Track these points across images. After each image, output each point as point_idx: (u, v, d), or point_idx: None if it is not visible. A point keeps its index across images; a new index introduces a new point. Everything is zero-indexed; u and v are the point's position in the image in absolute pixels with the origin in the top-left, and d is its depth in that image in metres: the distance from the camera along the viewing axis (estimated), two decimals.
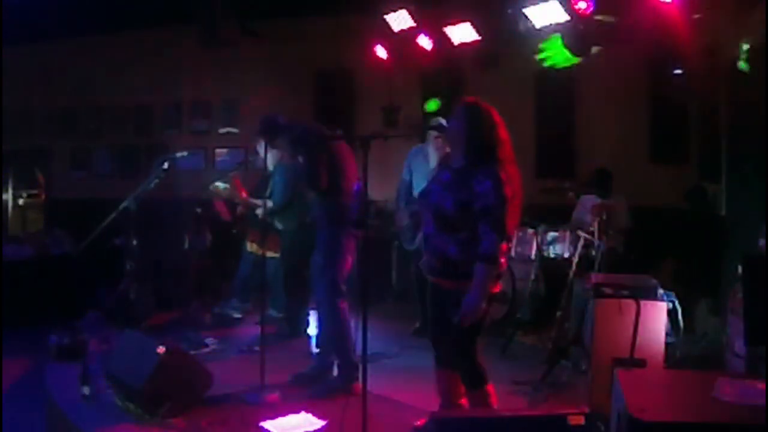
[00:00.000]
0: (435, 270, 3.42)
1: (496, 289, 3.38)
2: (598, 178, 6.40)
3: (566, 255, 5.66)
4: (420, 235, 5.42)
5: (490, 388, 3.41)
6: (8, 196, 8.08)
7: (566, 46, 5.68)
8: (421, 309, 5.72)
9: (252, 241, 6.21)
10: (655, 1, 5.27)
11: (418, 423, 3.64)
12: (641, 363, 3.78)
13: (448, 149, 5.16)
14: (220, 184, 6.15)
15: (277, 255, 5.93)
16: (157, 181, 5.55)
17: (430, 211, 3.39)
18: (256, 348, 4.71)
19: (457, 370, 3.45)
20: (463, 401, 3.52)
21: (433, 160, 5.27)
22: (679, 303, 4.19)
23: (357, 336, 3.92)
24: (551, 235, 6.04)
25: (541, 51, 5.99)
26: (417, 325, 5.77)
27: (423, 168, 5.45)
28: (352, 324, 4.33)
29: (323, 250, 4.41)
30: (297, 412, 3.97)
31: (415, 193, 5.48)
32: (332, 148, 4.35)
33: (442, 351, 3.54)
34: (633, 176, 6.86)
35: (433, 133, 5.25)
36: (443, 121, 5.14)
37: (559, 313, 5.07)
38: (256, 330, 4.83)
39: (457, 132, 3.38)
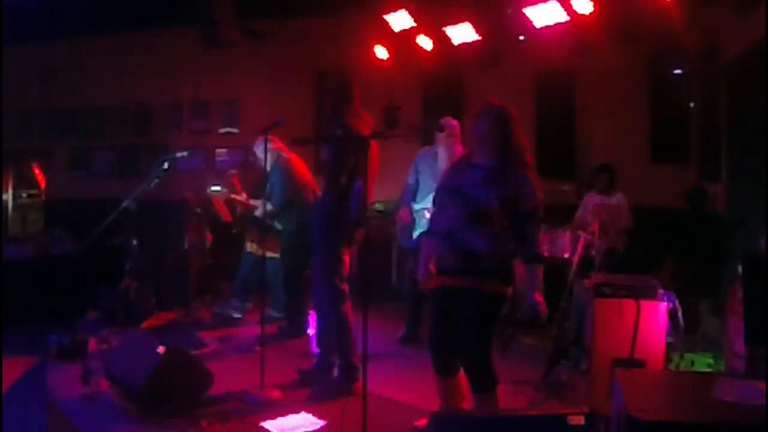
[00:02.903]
0: (452, 268, 3.37)
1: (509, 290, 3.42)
2: (600, 173, 6.39)
3: (566, 255, 5.65)
4: (417, 234, 5.46)
5: (499, 391, 3.40)
6: (8, 196, 8.07)
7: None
8: (411, 315, 5.70)
9: (252, 241, 6.21)
10: (655, 0, 5.29)
11: (418, 423, 3.65)
12: (641, 363, 3.77)
13: (458, 148, 5.16)
14: (217, 189, 6.16)
15: (276, 255, 5.93)
16: (157, 181, 5.55)
17: (463, 205, 3.33)
18: (256, 348, 4.71)
19: (467, 372, 3.40)
20: (466, 405, 3.51)
21: (442, 161, 5.23)
22: (679, 303, 4.19)
23: (357, 336, 3.92)
24: (551, 235, 6.03)
25: None
26: (402, 332, 5.68)
27: (431, 169, 5.39)
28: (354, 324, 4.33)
29: (317, 251, 4.40)
30: (297, 412, 3.97)
31: (421, 195, 5.46)
32: (362, 150, 4.08)
33: (442, 358, 3.49)
34: (633, 176, 6.86)
35: (443, 134, 5.21)
36: (453, 121, 5.13)
37: (559, 313, 5.07)
38: (256, 330, 4.83)
39: (488, 131, 3.36)
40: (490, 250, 3.28)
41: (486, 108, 3.41)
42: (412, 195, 5.53)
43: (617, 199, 6.26)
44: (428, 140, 5.97)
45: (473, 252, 3.30)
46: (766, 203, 4.51)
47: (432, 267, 3.52)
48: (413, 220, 5.47)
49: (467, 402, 3.50)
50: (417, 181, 5.53)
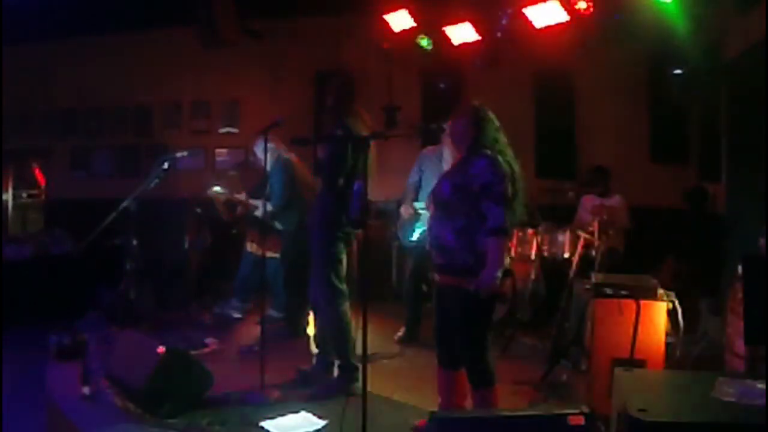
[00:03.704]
0: (438, 266, 3.48)
1: (503, 289, 3.41)
2: (597, 175, 6.39)
3: (566, 255, 5.65)
4: (419, 230, 5.46)
5: (497, 389, 3.44)
6: (8, 196, 8.08)
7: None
8: (411, 315, 5.70)
9: (252, 241, 6.21)
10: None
11: (418, 423, 3.65)
12: (641, 363, 3.77)
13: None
14: (217, 189, 6.16)
15: (277, 255, 5.93)
16: (157, 181, 5.54)
17: (432, 200, 3.54)
18: (256, 348, 4.71)
19: (465, 368, 3.45)
20: (465, 402, 3.53)
21: (447, 162, 5.23)
22: (679, 303, 4.19)
23: (357, 336, 3.92)
24: (551, 234, 6.03)
25: None
26: (401, 332, 5.70)
27: (435, 169, 5.39)
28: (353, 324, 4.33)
29: (316, 251, 4.40)
30: (297, 412, 3.97)
31: (423, 194, 5.46)
32: (362, 150, 4.10)
33: (446, 351, 3.55)
34: (633, 176, 6.86)
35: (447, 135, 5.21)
36: None
37: (559, 313, 5.07)
38: (256, 330, 4.83)
39: (465, 129, 3.48)
40: (458, 243, 3.32)
41: (464, 108, 3.55)
42: (415, 194, 5.54)
43: (615, 200, 6.26)
44: (429, 140, 5.97)
45: (444, 246, 3.38)
46: (766, 203, 4.51)
47: None
48: (415, 218, 5.47)
49: (467, 399, 3.52)
50: (419, 181, 5.53)
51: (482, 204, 3.28)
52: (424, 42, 7.19)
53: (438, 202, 3.46)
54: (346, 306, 4.35)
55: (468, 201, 3.31)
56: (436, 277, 3.54)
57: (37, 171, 8.28)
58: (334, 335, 4.38)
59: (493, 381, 3.41)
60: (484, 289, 3.23)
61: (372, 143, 4.03)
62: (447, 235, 3.36)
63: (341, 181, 4.20)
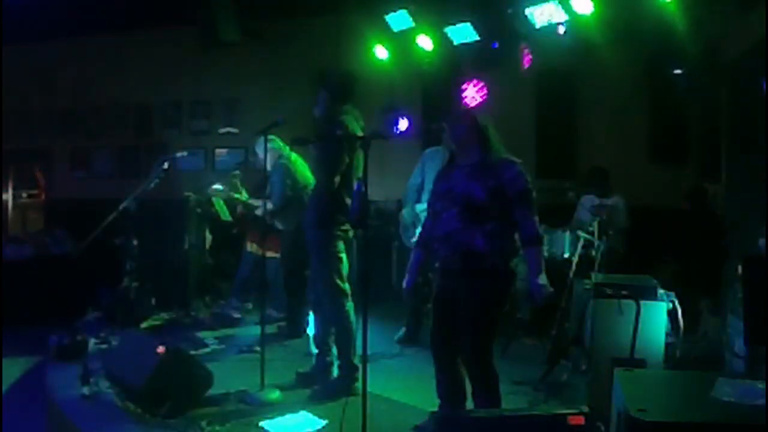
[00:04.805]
0: (455, 270, 3.39)
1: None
2: (595, 177, 6.39)
3: (566, 255, 5.65)
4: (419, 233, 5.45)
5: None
6: (8, 196, 8.09)
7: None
8: (411, 315, 5.70)
9: (252, 241, 6.21)
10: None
11: (419, 423, 3.65)
12: (641, 363, 3.77)
13: None
14: (218, 187, 6.16)
15: (277, 255, 5.93)
16: (157, 181, 5.55)
17: (457, 204, 3.39)
18: (256, 348, 4.72)
19: (471, 369, 3.42)
20: (465, 405, 3.51)
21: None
22: (679, 303, 4.19)
23: (357, 336, 3.92)
24: (551, 234, 6.03)
25: None
26: (402, 332, 5.70)
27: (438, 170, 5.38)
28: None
29: (314, 252, 4.39)
30: (297, 412, 3.97)
31: (426, 195, 5.44)
32: (362, 150, 4.03)
33: (449, 353, 3.51)
34: (633, 176, 6.85)
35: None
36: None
37: (559, 313, 5.07)
38: (256, 330, 4.83)
39: (467, 133, 3.48)
40: (489, 248, 3.30)
41: (460, 113, 3.60)
42: (417, 195, 5.52)
43: (614, 200, 6.26)
44: (429, 141, 5.96)
45: (473, 251, 3.31)
46: (766, 203, 4.51)
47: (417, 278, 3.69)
48: (417, 220, 5.47)
49: (468, 401, 3.50)
50: (422, 183, 5.51)
51: (517, 211, 3.33)
52: (424, 42, 7.19)
53: (467, 206, 3.35)
54: (350, 305, 4.35)
55: (502, 205, 3.32)
56: (448, 281, 3.45)
57: (37, 171, 8.29)
58: (336, 334, 4.37)
59: (497, 383, 3.39)
60: (539, 298, 3.35)
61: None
62: (477, 240, 3.31)
63: (337, 180, 4.20)
